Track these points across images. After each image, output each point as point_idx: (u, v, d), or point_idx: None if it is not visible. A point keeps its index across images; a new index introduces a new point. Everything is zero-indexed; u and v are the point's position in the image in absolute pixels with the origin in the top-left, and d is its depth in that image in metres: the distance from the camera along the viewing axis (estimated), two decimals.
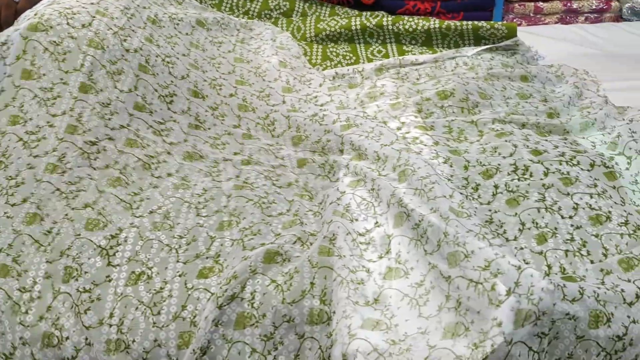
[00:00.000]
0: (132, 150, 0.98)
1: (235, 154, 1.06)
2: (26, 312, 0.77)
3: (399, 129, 1.09)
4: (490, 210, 0.89)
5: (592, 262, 0.80)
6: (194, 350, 0.72)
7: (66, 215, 0.87)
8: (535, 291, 0.66)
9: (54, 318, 0.76)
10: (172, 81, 1.10)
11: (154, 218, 0.87)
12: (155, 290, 0.78)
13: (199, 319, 0.74)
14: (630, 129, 1.05)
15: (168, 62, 1.12)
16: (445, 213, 0.80)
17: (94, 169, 0.94)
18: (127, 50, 1.06)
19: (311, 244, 0.84)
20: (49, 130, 0.94)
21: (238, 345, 0.73)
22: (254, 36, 1.44)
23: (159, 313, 0.76)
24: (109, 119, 0.99)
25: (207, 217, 0.88)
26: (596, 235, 0.83)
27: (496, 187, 0.93)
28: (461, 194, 0.87)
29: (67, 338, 0.76)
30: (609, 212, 0.86)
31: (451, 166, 0.97)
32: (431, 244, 0.78)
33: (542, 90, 1.28)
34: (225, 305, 0.74)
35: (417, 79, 1.31)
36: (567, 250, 0.81)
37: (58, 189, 0.90)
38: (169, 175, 0.97)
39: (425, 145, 1.03)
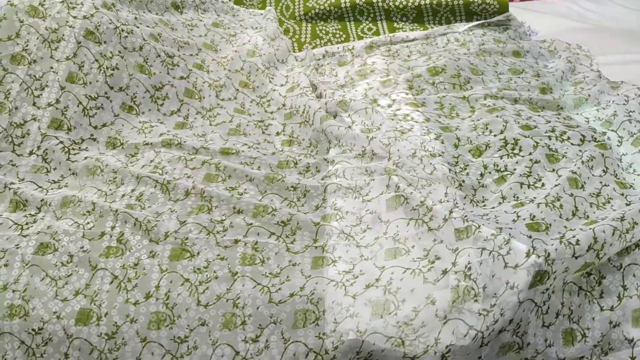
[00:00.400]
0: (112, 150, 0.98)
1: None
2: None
3: (389, 106, 1.08)
4: (475, 189, 0.90)
5: (560, 216, 0.81)
6: None
7: None
8: (551, 253, 0.71)
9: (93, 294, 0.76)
10: (167, 82, 1.08)
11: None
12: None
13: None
14: (627, 110, 1.04)
15: (170, 58, 1.10)
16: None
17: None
18: (126, 48, 1.05)
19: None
20: None
21: None
22: (235, 22, 1.40)
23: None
24: (93, 117, 0.99)
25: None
26: (571, 195, 0.84)
27: (485, 167, 0.93)
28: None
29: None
30: (585, 181, 0.87)
31: (442, 142, 0.96)
32: (436, 221, 0.79)
33: (534, 66, 1.26)
34: None
35: (408, 56, 1.29)
36: (539, 203, 0.82)
37: (40, 187, 0.90)
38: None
39: (417, 122, 1.02)
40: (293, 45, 1.31)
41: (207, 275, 0.77)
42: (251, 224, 0.84)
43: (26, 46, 0.97)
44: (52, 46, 0.98)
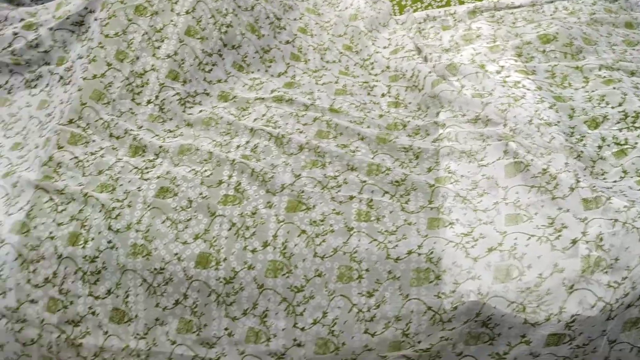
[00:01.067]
0: (224, 103, 1.00)
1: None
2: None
3: (498, 72, 1.04)
4: (594, 161, 0.86)
5: None
6: None
7: None
8: None
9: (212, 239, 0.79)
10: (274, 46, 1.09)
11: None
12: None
13: None
14: None
15: (278, 20, 1.11)
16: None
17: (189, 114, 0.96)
18: (240, 7, 1.06)
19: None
20: None
21: None
22: None
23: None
24: (208, 72, 1.01)
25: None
26: None
27: (603, 139, 0.89)
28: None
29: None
30: None
31: (557, 112, 0.93)
32: (561, 189, 0.76)
33: None
34: None
35: (514, 23, 1.24)
36: None
37: (157, 135, 0.93)
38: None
39: (528, 89, 0.98)
40: (394, 9, 1.28)
41: (323, 229, 0.78)
42: (365, 181, 0.83)
43: None
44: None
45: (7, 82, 1.08)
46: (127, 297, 0.79)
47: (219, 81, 1.00)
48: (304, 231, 0.78)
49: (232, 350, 0.76)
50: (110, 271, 0.79)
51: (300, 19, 1.18)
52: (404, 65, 1.07)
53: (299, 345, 0.75)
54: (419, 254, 0.74)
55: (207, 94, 0.99)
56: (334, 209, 0.80)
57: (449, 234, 0.76)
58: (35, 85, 1.06)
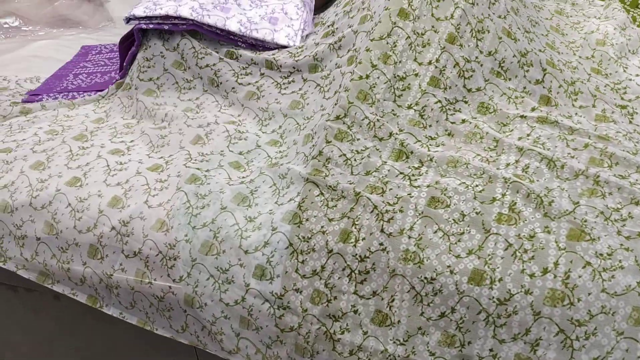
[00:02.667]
0: (483, 117, 0.96)
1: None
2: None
3: None
4: None
5: None
6: None
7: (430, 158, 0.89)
8: None
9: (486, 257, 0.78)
10: (530, 50, 1.03)
11: None
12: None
13: None
14: None
15: (527, 33, 1.07)
16: None
17: (452, 122, 0.94)
18: (494, 13, 1.02)
19: None
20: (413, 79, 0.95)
21: None
22: (575, 10, 1.34)
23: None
24: (468, 79, 0.97)
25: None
26: None
27: None
28: None
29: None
30: None
31: None
32: None
33: None
34: None
35: None
36: None
37: (419, 141, 0.92)
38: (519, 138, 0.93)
39: None
40: None
41: (610, 263, 0.74)
42: None
43: (411, 2, 0.99)
44: (433, 4, 0.99)
45: (257, 82, 1.15)
46: (393, 301, 0.79)
47: (478, 89, 0.98)
48: (589, 263, 0.74)
49: None
50: (378, 273, 0.80)
51: (546, 35, 1.14)
52: None
53: None
54: None
55: (466, 102, 0.97)
56: (621, 244, 0.75)
57: None
58: (287, 87, 1.11)
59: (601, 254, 0.74)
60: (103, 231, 0.93)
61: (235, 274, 0.84)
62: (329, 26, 1.18)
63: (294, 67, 1.13)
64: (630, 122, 0.98)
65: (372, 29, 1.00)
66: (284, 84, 1.13)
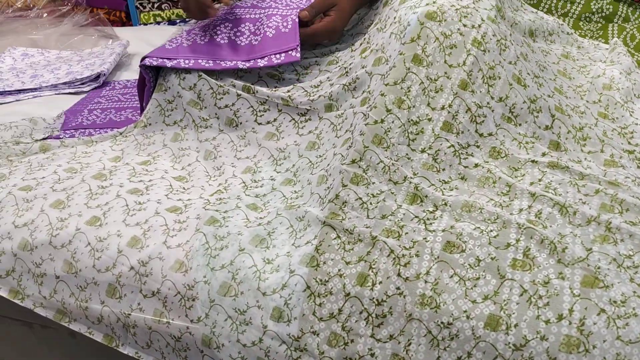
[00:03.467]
0: (494, 161, 0.99)
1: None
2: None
3: None
4: None
5: None
6: None
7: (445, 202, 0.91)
8: None
9: (502, 302, 0.79)
10: (540, 96, 1.06)
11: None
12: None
13: None
14: None
15: (536, 78, 1.10)
16: None
17: (465, 167, 0.97)
18: (504, 60, 1.05)
19: None
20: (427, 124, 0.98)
21: None
22: (582, 54, 1.37)
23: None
24: (480, 124, 1.00)
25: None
26: None
27: None
28: None
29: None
30: None
31: None
32: None
33: None
34: None
35: None
36: None
37: (432, 185, 0.94)
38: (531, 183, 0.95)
39: None
40: None
41: (624, 311, 0.75)
42: None
43: (425, 48, 1.02)
44: (446, 51, 1.03)
45: (275, 120, 1.17)
46: (409, 345, 0.80)
47: (490, 134, 1.00)
48: (603, 310, 0.75)
49: None
50: (395, 317, 0.81)
51: (554, 80, 1.17)
52: None
53: None
54: None
55: (478, 147, 0.99)
56: (634, 292, 0.76)
57: None
58: (304, 126, 1.13)
59: (615, 301, 0.75)
60: (122, 271, 0.94)
61: (253, 316, 0.85)
62: (343, 67, 1.21)
63: (310, 106, 1.16)
64: (638, 166, 1.00)
65: (386, 73, 1.02)
66: (301, 121, 1.15)
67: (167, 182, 1.11)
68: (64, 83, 1.63)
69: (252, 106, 1.20)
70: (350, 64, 1.19)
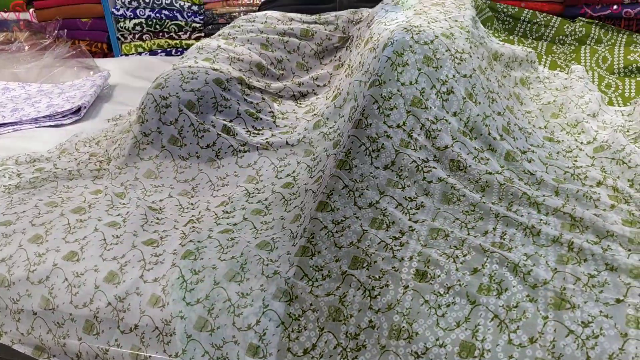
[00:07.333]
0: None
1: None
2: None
3: None
4: None
5: None
6: None
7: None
8: None
9: (473, 329, 0.79)
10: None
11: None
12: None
13: None
14: None
15: (490, 93, 1.13)
16: None
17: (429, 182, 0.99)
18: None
19: None
20: None
21: None
22: (538, 83, 1.41)
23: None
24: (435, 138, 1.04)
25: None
26: None
27: None
28: None
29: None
30: None
31: None
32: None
33: None
34: None
35: None
36: None
37: (400, 204, 0.96)
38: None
39: None
40: (617, 100, 1.27)
41: (593, 331, 0.76)
42: (629, 283, 0.81)
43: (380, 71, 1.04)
44: (398, 69, 1.05)
45: (255, 163, 1.20)
46: None
47: (447, 147, 1.01)
48: (572, 331, 0.76)
49: None
50: (369, 349, 0.80)
51: (508, 99, 1.20)
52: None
53: None
54: None
55: (438, 161, 1.00)
56: (601, 311, 0.77)
57: None
58: (282, 170, 1.16)
59: (583, 322, 0.76)
60: (99, 306, 0.94)
61: (229, 351, 0.84)
62: (318, 114, 1.24)
63: (290, 150, 1.18)
64: (583, 184, 1.03)
65: (351, 113, 1.05)
66: (280, 166, 1.17)
67: (142, 211, 1.12)
68: (45, 116, 1.64)
69: (232, 145, 1.20)
70: (324, 114, 1.23)
